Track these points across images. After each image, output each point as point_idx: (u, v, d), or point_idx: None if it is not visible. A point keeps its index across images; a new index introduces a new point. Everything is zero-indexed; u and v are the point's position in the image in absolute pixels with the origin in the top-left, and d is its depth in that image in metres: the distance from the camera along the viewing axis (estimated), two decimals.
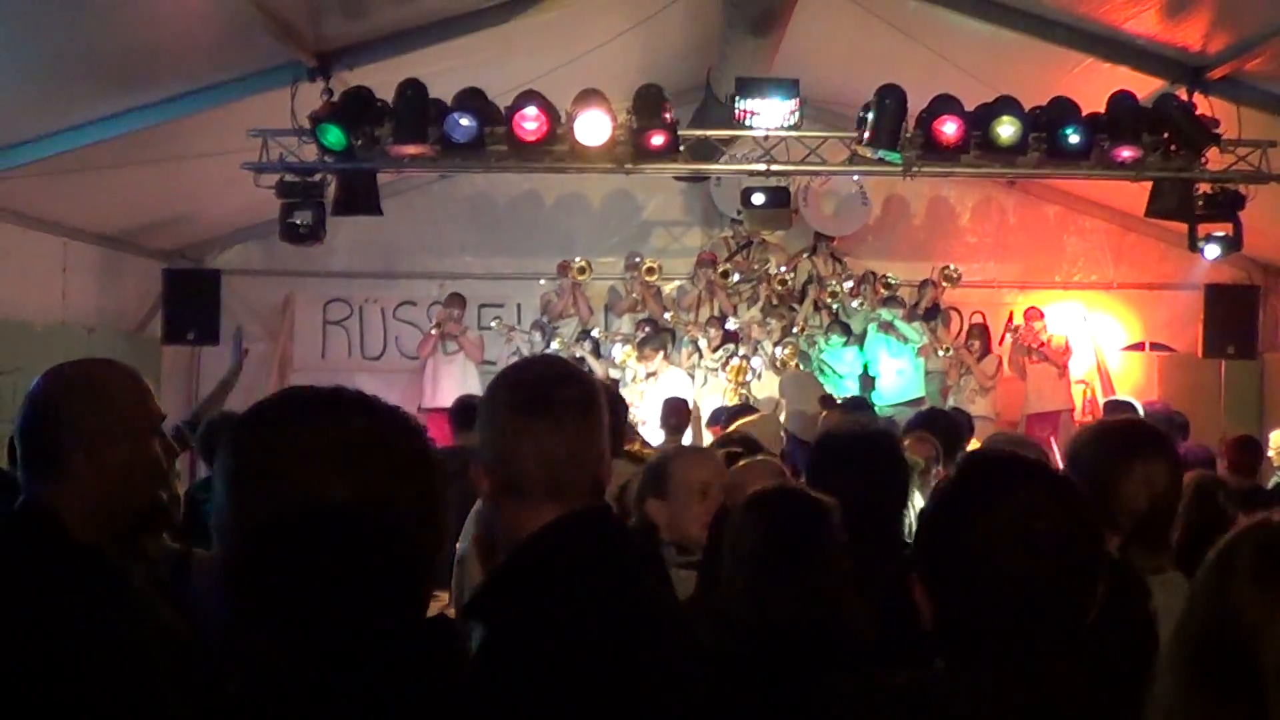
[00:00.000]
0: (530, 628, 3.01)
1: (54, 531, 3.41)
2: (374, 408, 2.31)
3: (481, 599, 3.20)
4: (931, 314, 18.71)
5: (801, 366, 17.89)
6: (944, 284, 18.80)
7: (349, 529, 2.14)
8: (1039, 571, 2.74)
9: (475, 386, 16.83)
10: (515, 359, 17.34)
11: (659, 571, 4.43)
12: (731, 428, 10.92)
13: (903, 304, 18.58)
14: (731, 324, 18.32)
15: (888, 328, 18.36)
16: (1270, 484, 11.06)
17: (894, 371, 18.41)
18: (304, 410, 2.29)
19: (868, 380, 18.41)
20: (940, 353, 18.38)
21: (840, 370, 18.35)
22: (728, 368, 17.90)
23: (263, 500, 2.17)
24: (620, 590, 3.23)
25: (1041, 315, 18.90)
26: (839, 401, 15.30)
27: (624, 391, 15.62)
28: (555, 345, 17.79)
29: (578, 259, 18.33)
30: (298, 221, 13.59)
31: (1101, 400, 18.88)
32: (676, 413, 14.03)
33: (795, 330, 18.51)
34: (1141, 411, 13.14)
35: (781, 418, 14.88)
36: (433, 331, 18.36)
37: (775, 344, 18.26)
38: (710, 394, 17.59)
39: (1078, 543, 2.79)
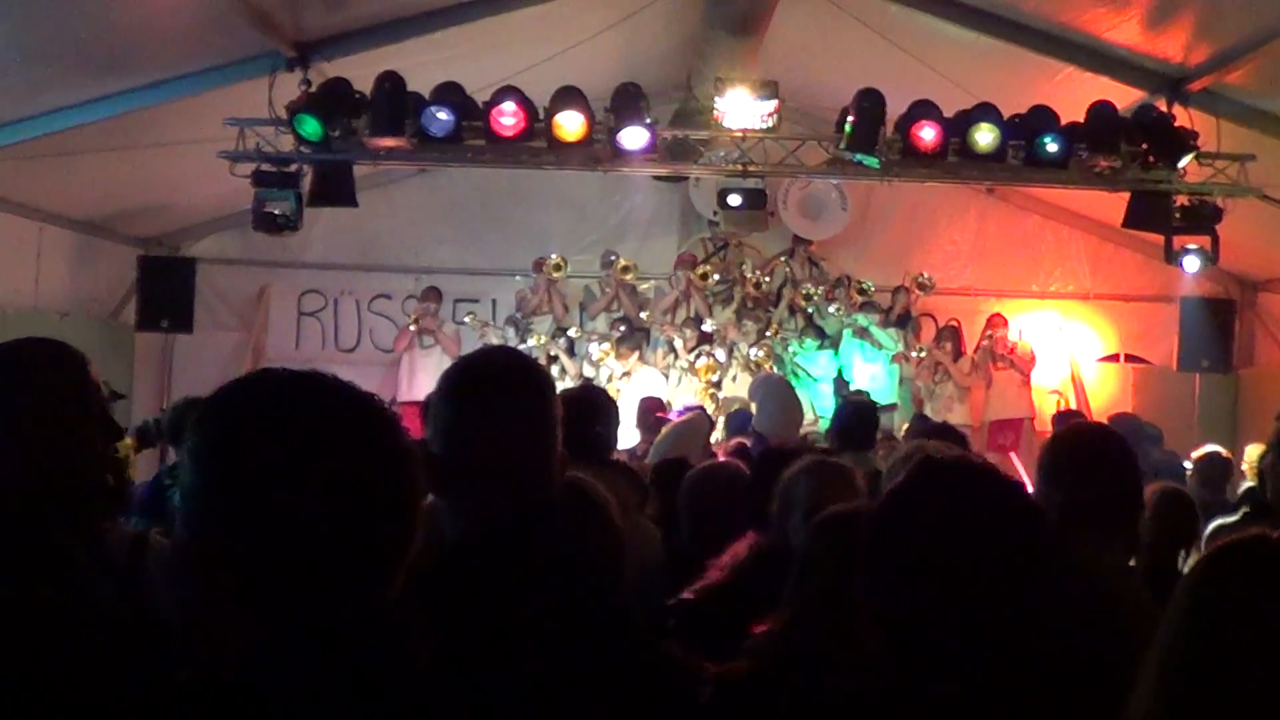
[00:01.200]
0: (477, 620, 3.00)
1: None
2: (348, 393, 2.28)
3: (429, 591, 3.19)
4: (904, 320, 18.75)
5: (774, 369, 17.84)
6: (917, 291, 18.84)
7: (316, 514, 2.11)
8: (980, 575, 2.72)
9: None
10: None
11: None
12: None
13: (879, 309, 18.59)
14: (708, 325, 18.31)
15: (863, 333, 18.37)
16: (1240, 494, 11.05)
17: (867, 377, 18.39)
18: (277, 392, 2.26)
19: (842, 384, 18.40)
20: (914, 354, 18.42)
21: (814, 373, 18.34)
22: (698, 365, 17.89)
23: (230, 482, 2.14)
24: (572, 583, 3.21)
25: (1006, 323, 18.92)
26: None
27: None
28: (531, 342, 17.74)
29: (553, 256, 18.29)
30: (272, 211, 13.53)
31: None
32: (653, 412, 13.98)
33: (769, 333, 18.48)
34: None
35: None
36: (411, 326, 18.33)
37: (750, 345, 18.24)
38: (683, 394, 17.57)
39: (1020, 545, 2.78)
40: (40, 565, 3.39)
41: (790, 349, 18.44)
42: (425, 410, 10.07)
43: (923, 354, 18.43)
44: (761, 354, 17.93)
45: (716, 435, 13.78)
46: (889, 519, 2.93)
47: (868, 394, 16.19)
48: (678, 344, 18.15)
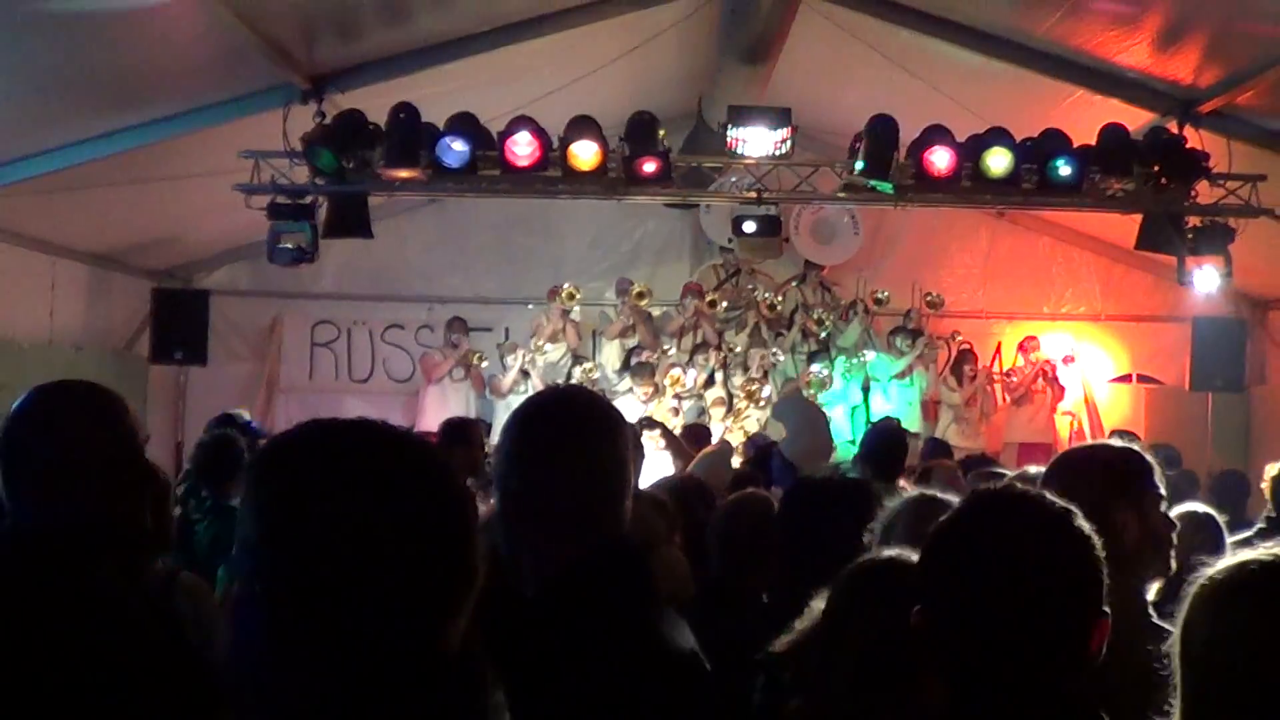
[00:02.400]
0: (563, 664, 3.01)
1: (39, 555, 3.42)
2: (401, 439, 2.29)
3: (517, 632, 3.20)
4: (916, 334, 18.78)
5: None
6: (928, 310, 18.90)
7: (381, 562, 2.13)
8: (1034, 606, 2.73)
9: (472, 413, 16.81)
10: (521, 378, 17.48)
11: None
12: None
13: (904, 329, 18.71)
14: (736, 351, 18.34)
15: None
16: (1261, 518, 11.04)
17: (898, 398, 18.41)
18: (333, 442, 2.27)
19: (868, 386, 18.46)
20: (948, 383, 18.58)
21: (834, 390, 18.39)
22: (743, 390, 17.88)
23: (297, 536, 2.15)
24: (648, 626, 3.23)
25: (1040, 345, 19.03)
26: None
27: None
28: (547, 363, 17.83)
29: (567, 285, 18.32)
30: (288, 244, 13.54)
31: (1089, 432, 18.94)
32: (699, 440, 13.91)
33: (782, 357, 18.54)
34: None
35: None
36: (450, 357, 18.34)
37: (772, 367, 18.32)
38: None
39: (1075, 578, 2.79)
40: (87, 606, 3.41)
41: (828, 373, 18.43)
42: (443, 434, 10.09)
43: (929, 347, 18.59)
44: (825, 373, 18.01)
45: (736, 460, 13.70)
46: (949, 546, 2.94)
47: (897, 420, 16.26)
48: (690, 375, 18.12)
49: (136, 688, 3.33)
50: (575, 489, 3.22)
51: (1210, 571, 2.61)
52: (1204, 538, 6.62)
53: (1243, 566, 2.56)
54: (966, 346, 19.25)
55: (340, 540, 2.12)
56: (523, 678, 2.83)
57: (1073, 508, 2.92)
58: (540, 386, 17.30)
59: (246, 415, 13.10)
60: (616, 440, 3.34)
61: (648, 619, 3.23)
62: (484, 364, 18.39)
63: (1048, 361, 19.07)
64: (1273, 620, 2.46)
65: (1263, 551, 2.61)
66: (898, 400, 18.46)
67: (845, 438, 17.16)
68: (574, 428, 3.30)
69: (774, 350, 18.55)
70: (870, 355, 18.63)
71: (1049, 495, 2.99)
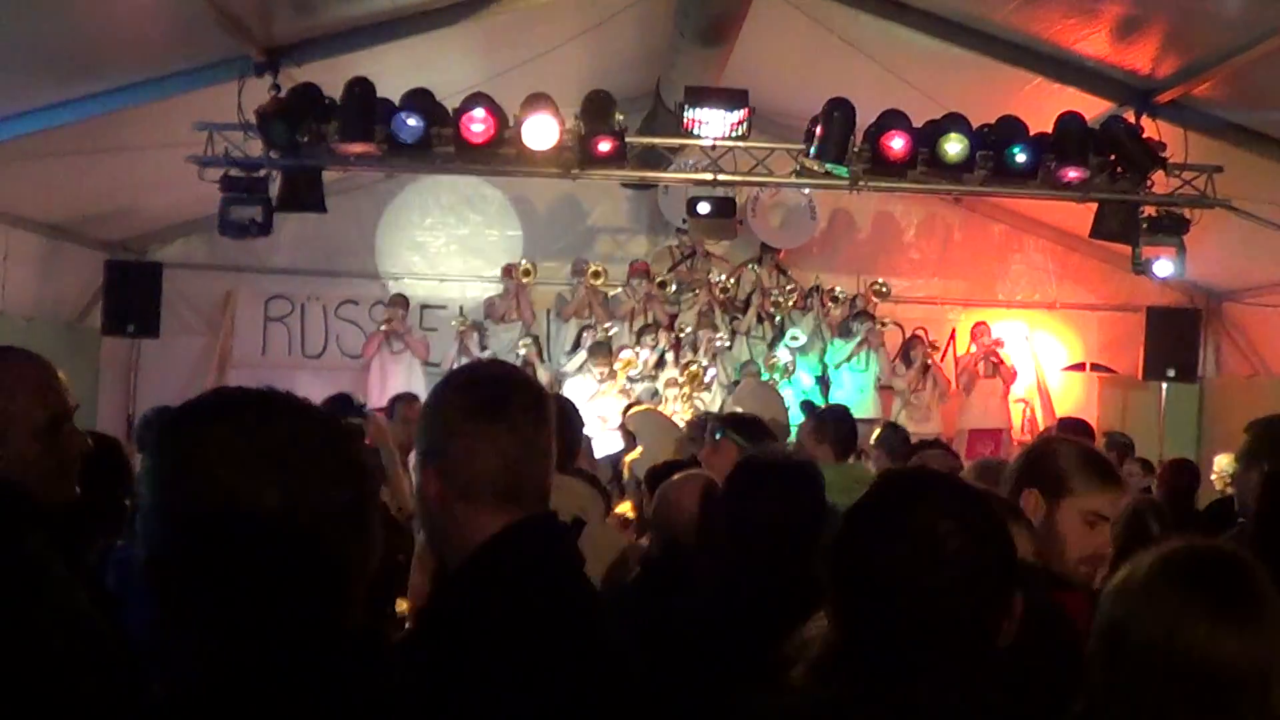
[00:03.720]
0: (487, 635, 2.99)
1: None
2: (304, 410, 2.28)
3: (438, 606, 3.18)
4: (859, 317, 18.81)
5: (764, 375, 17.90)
6: (874, 299, 18.94)
7: (276, 534, 2.12)
8: (943, 587, 2.72)
9: (420, 385, 16.80)
10: (464, 359, 17.44)
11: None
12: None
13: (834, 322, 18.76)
14: (684, 331, 18.33)
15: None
16: (1207, 505, 11.11)
17: (853, 386, 18.46)
18: (233, 411, 2.26)
19: (825, 383, 18.50)
20: (898, 371, 18.64)
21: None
22: (684, 373, 17.89)
23: (189, 502, 2.14)
24: (575, 598, 3.25)
25: (989, 331, 19.06)
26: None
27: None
28: (505, 346, 17.78)
29: (523, 262, 18.31)
30: (240, 217, 13.47)
31: (1041, 420, 19.02)
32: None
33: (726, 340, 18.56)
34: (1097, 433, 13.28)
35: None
36: (383, 329, 18.31)
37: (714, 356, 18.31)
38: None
39: (985, 559, 2.78)
40: (14, 579, 3.37)
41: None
42: (391, 407, 10.12)
43: (915, 362, 18.60)
44: (788, 361, 18.05)
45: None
46: (853, 530, 2.94)
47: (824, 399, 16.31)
48: (644, 355, 18.13)
49: (58, 669, 3.29)
50: (493, 463, 3.19)
51: (1131, 563, 2.62)
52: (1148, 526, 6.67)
53: (1160, 556, 2.58)
54: (920, 333, 19.29)
55: (231, 510, 2.11)
56: (445, 651, 2.82)
57: (986, 489, 2.93)
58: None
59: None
60: (537, 413, 3.32)
61: (566, 591, 3.21)
62: (411, 331, 18.45)
63: (996, 341, 19.05)
64: (1184, 604, 2.47)
65: (1179, 541, 2.62)
66: (851, 386, 18.48)
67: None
68: (491, 401, 3.27)
69: (720, 334, 18.55)
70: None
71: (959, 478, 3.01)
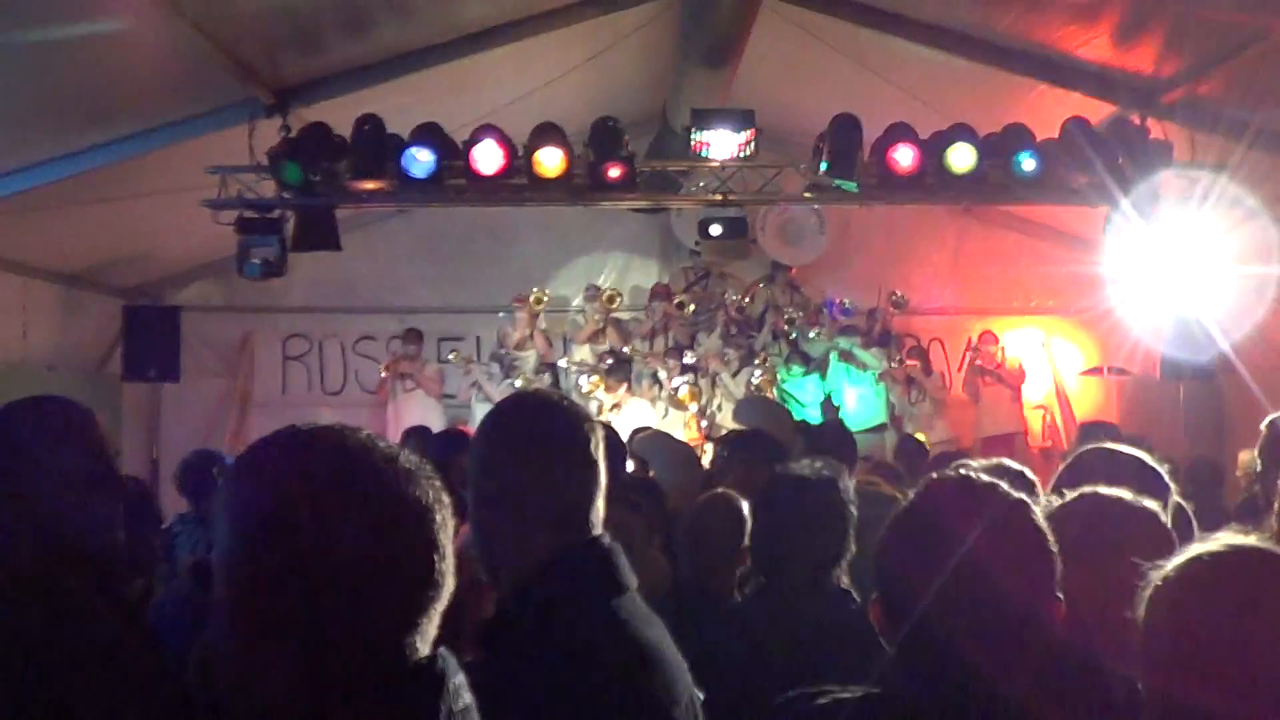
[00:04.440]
0: (541, 658, 3.09)
1: (6, 574, 3.43)
2: (373, 446, 2.33)
3: (494, 629, 3.27)
4: (885, 339, 18.84)
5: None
6: (892, 309, 18.95)
7: (355, 571, 2.18)
8: (988, 594, 2.77)
9: (436, 419, 16.87)
10: (474, 391, 17.50)
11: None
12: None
13: (860, 331, 18.70)
14: (689, 358, 18.34)
15: (848, 356, 18.45)
16: (1237, 504, 11.11)
17: (856, 398, 18.49)
18: (306, 451, 2.31)
19: (831, 407, 18.46)
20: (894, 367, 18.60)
21: (803, 399, 18.40)
22: (679, 395, 17.91)
23: (269, 542, 2.19)
24: (625, 621, 3.31)
25: (996, 339, 19.04)
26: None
27: None
28: (519, 382, 17.76)
29: (535, 290, 18.36)
30: (257, 258, 13.54)
31: (1061, 425, 19.03)
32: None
33: (756, 361, 18.52)
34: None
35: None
36: (382, 374, 18.40)
37: (734, 374, 18.34)
38: (671, 425, 17.59)
39: (1029, 566, 2.83)
40: (57, 624, 3.42)
41: (779, 376, 18.48)
42: (404, 443, 10.15)
43: (896, 364, 18.53)
44: (763, 378, 17.99)
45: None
46: (899, 537, 3.00)
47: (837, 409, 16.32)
48: (661, 375, 18.20)
49: (110, 705, 3.35)
50: (546, 490, 3.29)
51: (1164, 569, 2.65)
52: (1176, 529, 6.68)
53: (1192, 560, 2.60)
54: (922, 345, 19.30)
55: (308, 549, 2.16)
56: (496, 676, 2.88)
57: (1026, 497, 2.97)
58: (494, 396, 17.38)
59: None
60: (587, 442, 3.41)
61: (616, 614, 3.28)
62: (424, 367, 18.52)
63: (985, 351, 19.02)
64: (1222, 608, 2.50)
65: (1212, 542, 2.65)
66: (854, 398, 18.51)
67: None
68: (544, 430, 3.39)
69: (728, 354, 18.58)
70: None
71: (1003, 484, 3.05)
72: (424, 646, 2.28)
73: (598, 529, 3.40)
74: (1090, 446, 4.95)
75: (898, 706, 2.87)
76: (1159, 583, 2.62)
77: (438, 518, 2.31)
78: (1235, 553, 2.63)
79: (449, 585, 2.30)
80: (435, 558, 2.29)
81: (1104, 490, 3.75)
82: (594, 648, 3.14)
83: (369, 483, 2.26)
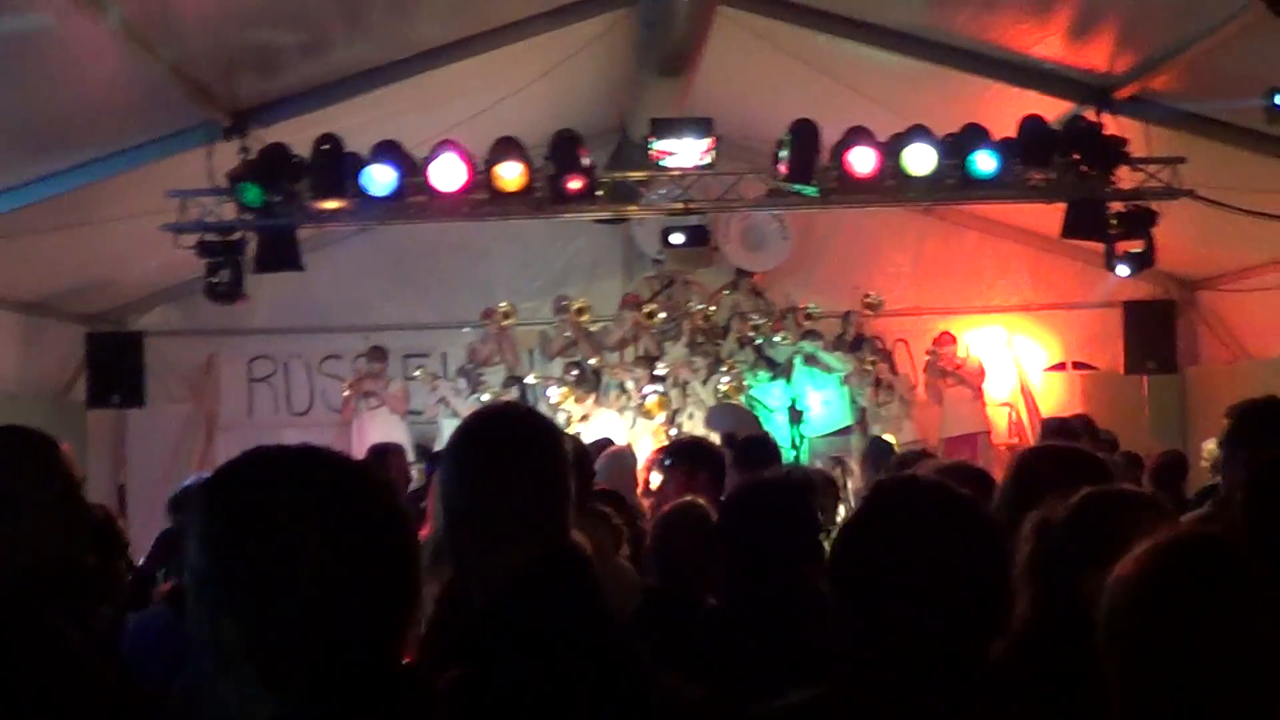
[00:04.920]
0: (519, 668, 3.10)
1: None
2: (341, 464, 2.36)
3: (469, 640, 3.28)
4: (858, 344, 18.86)
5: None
6: (867, 311, 18.95)
7: (328, 584, 2.19)
8: (936, 594, 2.80)
9: (402, 435, 16.84)
10: (441, 407, 17.48)
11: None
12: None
13: (821, 335, 18.70)
14: (660, 369, 18.33)
15: (811, 360, 18.47)
16: (1195, 492, 11.15)
17: (820, 402, 18.51)
18: (275, 469, 2.33)
19: (796, 413, 18.48)
20: (861, 383, 18.61)
21: (770, 404, 18.41)
22: (647, 404, 17.90)
23: (240, 561, 2.21)
24: (600, 629, 3.36)
25: (954, 340, 19.05)
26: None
27: None
28: (486, 397, 17.73)
29: (502, 304, 18.33)
30: (222, 281, 13.53)
31: (1027, 422, 19.10)
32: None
33: (723, 367, 18.51)
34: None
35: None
36: (346, 393, 18.36)
37: (703, 382, 18.34)
38: (640, 435, 17.61)
39: (978, 566, 2.86)
40: (33, 651, 3.42)
41: (745, 383, 18.48)
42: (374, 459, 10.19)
43: (870, 367, 18.54)
44: (730, 385, 17.99)
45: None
46: (853, 535, 3.04)
47: (798, 430, 16.41)
48: (629, 385, 18.21)
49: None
50: (518, 501, 3.32)
51: (1124, 560, 2.67)
52: None
53: (1148, 551, 2.63)
54: (887, 346, 19.33)
55: (285, 564, 2.18)
56: (474, 688, 2.90)
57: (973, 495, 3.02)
58: (462, 411, 17.37)
59: None
60: (556, 452, 3.46)
61: (595, 624, 3.31)
62: (389, 385, 18.43)
63: (944, 352, 19.07)
64: (1183, 596, 2.52)
65: (1163, 533, 2.68)
66: (819, 402, 18.54)
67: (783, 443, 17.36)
68: (514, 442, 3.44)
69: (695, 362, 18.59)
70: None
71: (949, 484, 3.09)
72: (401, 656, 2.30)
73: (569, 538, 3.42)
74: (1027, 449, 5.02)
75: (846, 706, 2.89)
76: (1118, 575, 2.64)
77: (406, 528, 2.34)
78: (1185, 541, 2.67)
79: (420, 596, 2.32)
80: (411, 568, 2.32)
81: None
82: (582, 657, 3.16)
83: (344, 495, 2.28)
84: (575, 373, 18.13)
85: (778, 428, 17.61)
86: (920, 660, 2.82)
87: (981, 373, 18.97)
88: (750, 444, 10.15)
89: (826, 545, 5.07)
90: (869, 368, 18.58)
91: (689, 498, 6.59)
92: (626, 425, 17.93)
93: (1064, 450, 4.91)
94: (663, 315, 18.99)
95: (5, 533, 3.52)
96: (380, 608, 2.26)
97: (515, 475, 3.35)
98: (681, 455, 8.49)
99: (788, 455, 15.33)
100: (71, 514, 3.71)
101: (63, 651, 3.51)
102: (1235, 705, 2.44)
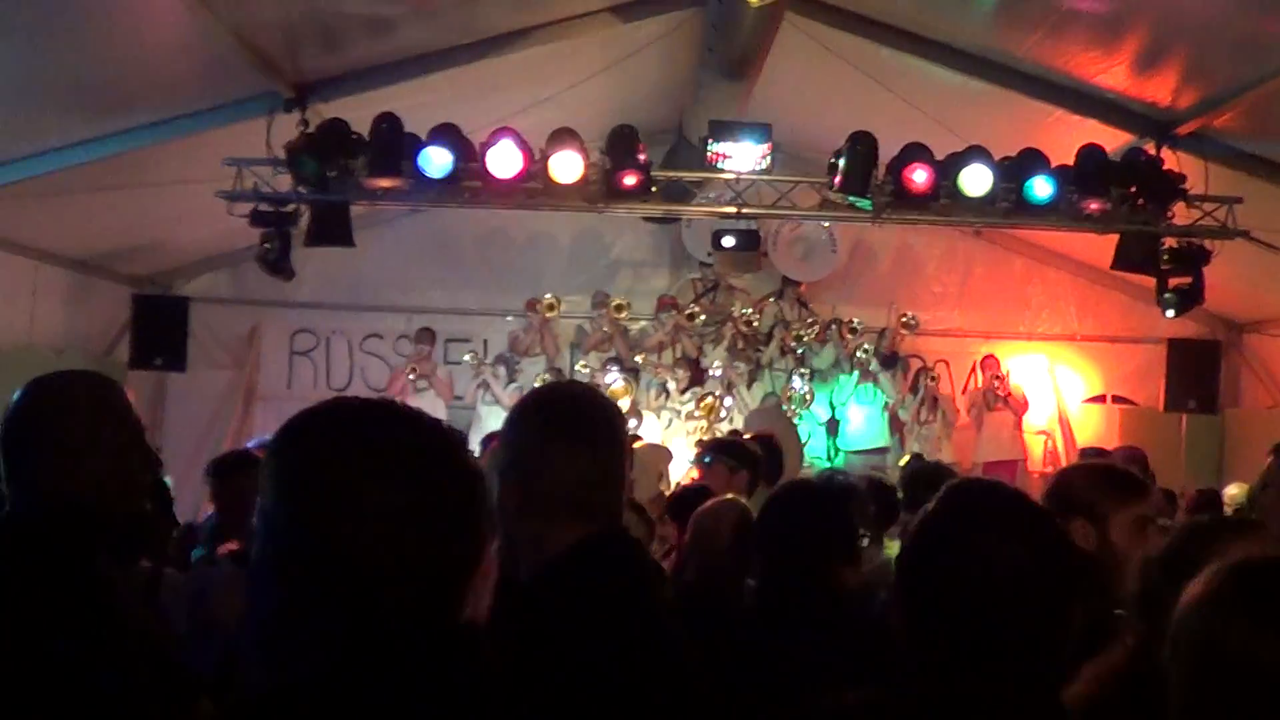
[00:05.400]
0: (557, 647, 3.10)
1: (35, 544, 3.46)
2: (416, 417, 2.39)
3: (510, 615, 3.29)
4: (890, 361, 18.85)
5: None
6: (903, 330, 18.94)
7: (395, 533, 2.22)
8: (1002, 603, 2.79)
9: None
10: (480, 392, 17.50)
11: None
12: None
13: (878, 353, 18.73)
14: (715, 369, 18.30)
15: (872, 378, 18.51)
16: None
17: (862, 418, 18.52)
18: (350, 417, 2.36)
19: (834, 424, 18.49)
20: (906, 403, 18.62)
21: (815, 413, 18.46)
22: (701, 405, 17.90)
23: (310, 503, 2.24)
24: (644, 613, 3.35)
25: (999, 364, 19.06)
26: None
27: None
28: (520, 383, 17.75)
29: (547, 296, 18.37)
30: (273, 250, 13.59)
31: (1063, 451, 19.05)
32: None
33: (802, 370, 18.56)
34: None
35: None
36: (407, 372, 18.35)
37: (747, 386, 18.38)
38: (675, 436, 17.63)
39: (1046, 578, 2.85)
40: (88, 599, 3.46)
41: (791, 391, 18.49)
42: (485, 441, 10.26)
43: (920, 393, 18.57)
44: (797, 390, 18.07)
45: None
46: (922, 541, 3.02)
47: (833, 442, 16.38)
48: (670, 385, 18.21)
49: (124, 676, 3.39)
50: (573, 479, 3.33)
51: (1195, 580, 2.66)
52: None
53: (1214, 575, 2.62)
54: (929, 367, 19.29)
55: (353, 511, 2.21)
56: (518, 662, 2.91)
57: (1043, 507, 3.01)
58: (501, 397, 17.44)
59: None
60: (614, 433, 3.49)
61: (643, 603, 3.32)
62: (436, 370, 18.52)
63: (998, 374, 19.08)
64: (1248, 619, 2.52)
65: (1229, 560, 2.67)
66: (859, 419, 18.57)
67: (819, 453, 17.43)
68: (573, 420, 3.43)
69: (739, 367, 18.60)
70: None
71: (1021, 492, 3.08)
72: (461, 615, 2.32)
73: (620, 521, 3.44)
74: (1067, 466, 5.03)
75: (905, 705, 2.89)
76: (1187, 594, 2.64)
77: (479, 487, 2.36)
78: (1254, 563, 2.67)
79: (483, 555, 2.34)
80: (478, 526, 2.34)
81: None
82: (629, 636, 3.17)
83: (417, 448, 2.31)
84: (613, 369, 18.14)
85: (816, 437, 17.66)
86: (987, 668, 2.82)
87: (1025, 402, 18.98)
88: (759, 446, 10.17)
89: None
90: (917, 388, 18.61)
91: (729, 495, 6.61)
92: (662, 426, 17.95)
93: (1101, 466, 4.93)
94: (703, 318, 18.99)
95: (88, 473, 3.55)
96: (443, 562, 2.28)
97: (570, 454, 3.35)
98: (722, 452, 8.52)
99: (820, 465, 15.34)
100: (141, 459, 3.76)
101: (111, 606, 3.55)
102: None
